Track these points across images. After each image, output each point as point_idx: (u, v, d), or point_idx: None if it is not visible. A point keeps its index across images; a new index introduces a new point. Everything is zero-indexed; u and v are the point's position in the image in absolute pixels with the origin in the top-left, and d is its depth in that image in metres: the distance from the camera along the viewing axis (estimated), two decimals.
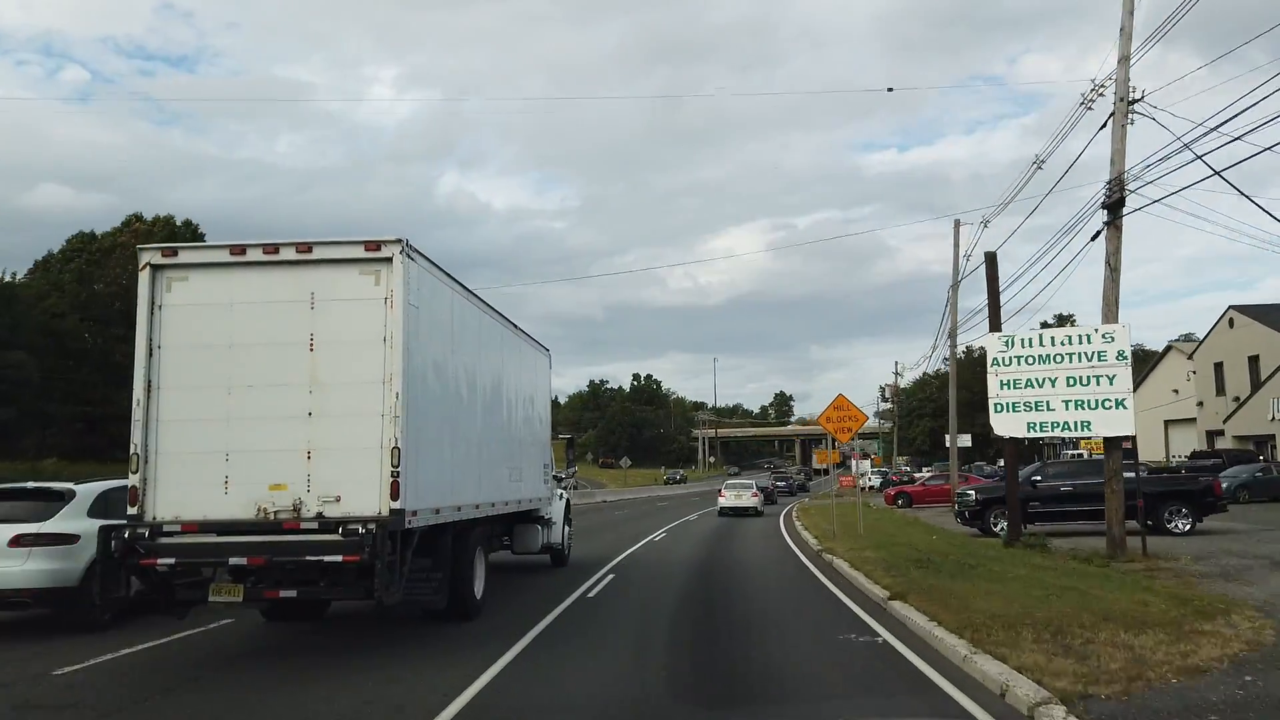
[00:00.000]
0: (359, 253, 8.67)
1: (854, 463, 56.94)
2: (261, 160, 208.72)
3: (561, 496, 17.48)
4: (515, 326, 13.58)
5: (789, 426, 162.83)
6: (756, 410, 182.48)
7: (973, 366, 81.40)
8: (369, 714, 6.68)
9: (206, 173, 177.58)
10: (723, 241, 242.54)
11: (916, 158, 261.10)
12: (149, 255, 8.74)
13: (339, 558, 8.11)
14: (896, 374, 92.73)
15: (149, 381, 8.57)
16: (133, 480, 8.43)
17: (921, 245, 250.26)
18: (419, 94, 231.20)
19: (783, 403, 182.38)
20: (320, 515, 8.29)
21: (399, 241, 8.62)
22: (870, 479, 54.98)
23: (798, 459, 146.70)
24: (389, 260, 8.60)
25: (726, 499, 37.76)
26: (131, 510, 8.42)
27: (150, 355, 8.61)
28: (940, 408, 74.90)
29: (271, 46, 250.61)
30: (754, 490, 39.02)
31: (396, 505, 8.29)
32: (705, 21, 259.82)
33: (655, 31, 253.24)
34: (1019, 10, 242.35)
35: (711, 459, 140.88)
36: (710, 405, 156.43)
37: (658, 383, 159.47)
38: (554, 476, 17.07)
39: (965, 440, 48.56)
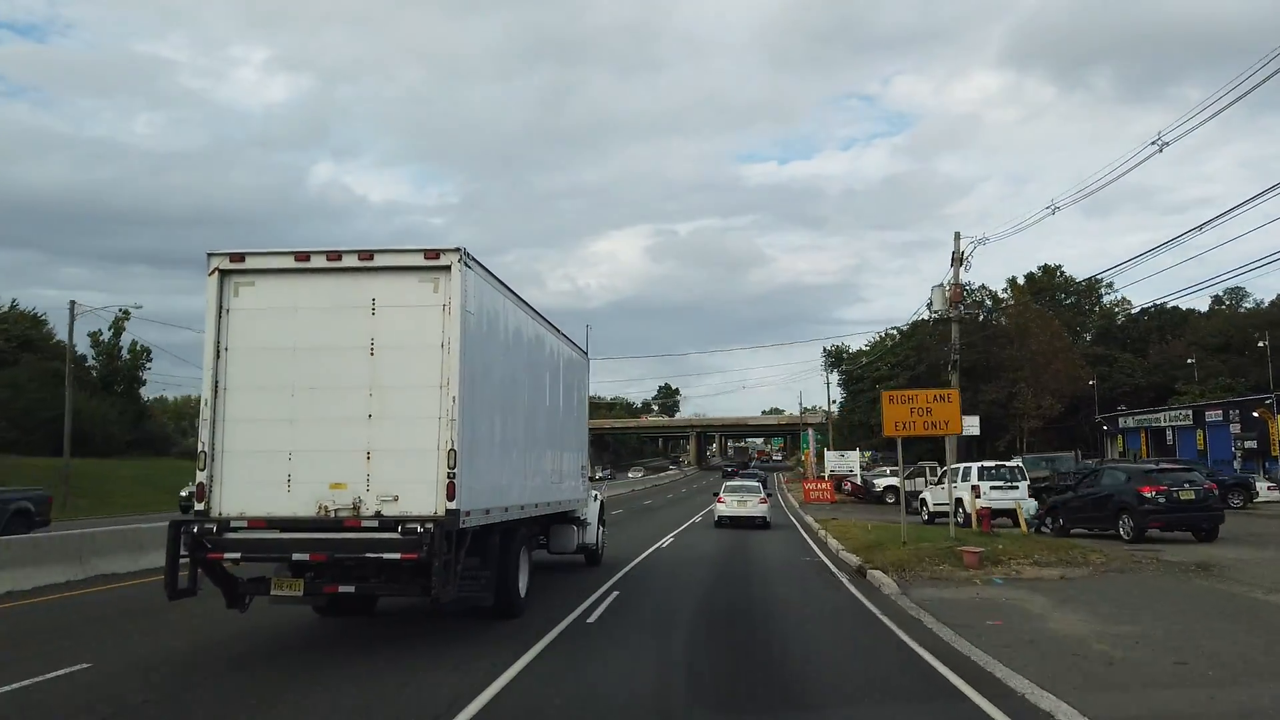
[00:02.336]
0: (419, 260, 8.95)
1: (829, 462, 52.02)
2: (115, 140, 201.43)
3: (596, 498, 17.75)
4: (558, 330, 13.84)
5: (676, 419, 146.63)
6: (639, 404, 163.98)
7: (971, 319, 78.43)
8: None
9: (52, 150, 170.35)
10: (605, 245, 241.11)
11: (795, 170, 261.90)
12: (217, 261, 9.07)
13: (397, 555, 8.41)
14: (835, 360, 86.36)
15: (216, 383, 8.91)
16: (200, 477, 8.78)
17: (798, 256, 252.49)
18: (289, 78, 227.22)
19: (668, 395, 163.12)
20: (379, 514, 8.59)
21: (458, 250, 8.91)
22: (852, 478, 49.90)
23: (692, 456, 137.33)
24: (447, 268, 8.88)
25: (727, 506, 29.25)
26: (199, 506, 8.76)
27: (218, 357, 8.95)
28: (918, 377, 64.69)
29: (129, 20, 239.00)
30: (761, 495, 30.26)
31: (452, 505, 8.56)
32: (586, 22, 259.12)
33: (536, 29, 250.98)
34: (891, 33, 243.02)
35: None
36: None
37: None
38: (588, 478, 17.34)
39: (972, 426, 40.44)
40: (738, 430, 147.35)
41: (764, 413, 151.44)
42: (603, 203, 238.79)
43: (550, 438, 13.20)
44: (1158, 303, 70.72)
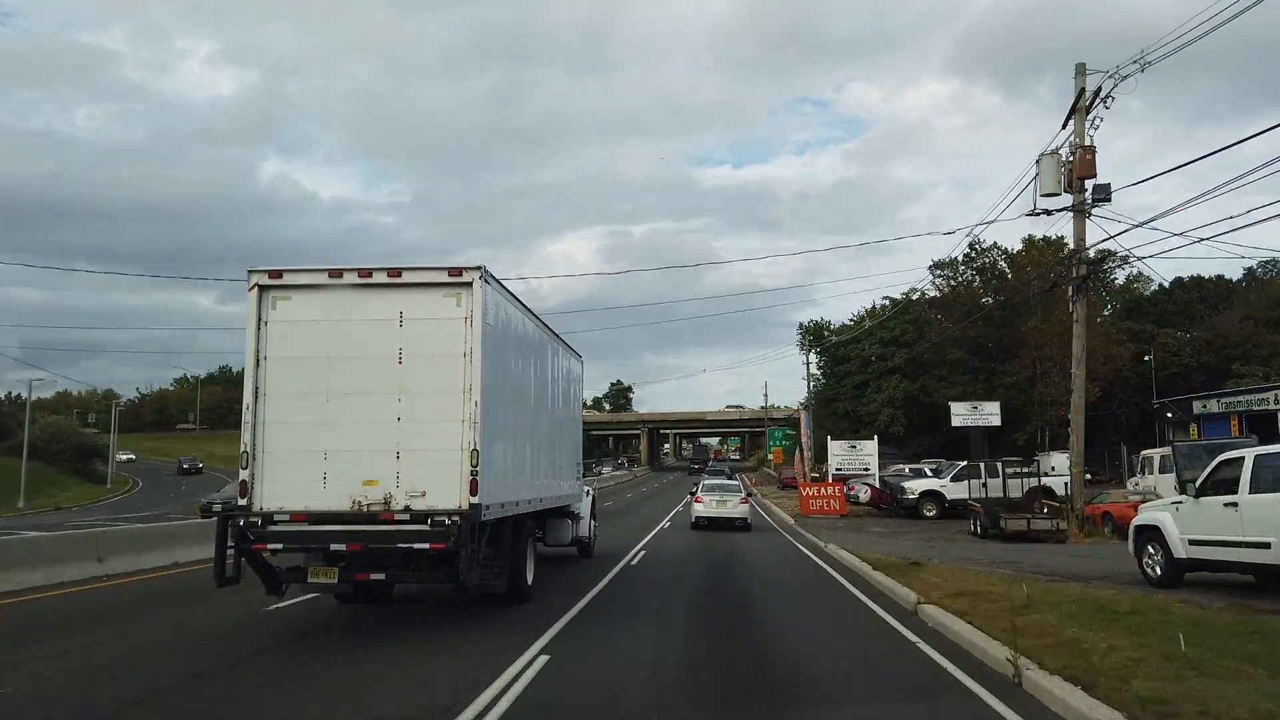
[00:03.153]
0: (443, 278, 9.83)
1: (834, 456, 39.30)
2: (56, 132, 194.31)
3: (588, 493, 18.67)
4: (558, 336, 14.74)
5: (626, 415, 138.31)
6: (590, 402, 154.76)
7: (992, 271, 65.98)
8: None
9: None
10: (561, 246, 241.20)
11: (749, 174, 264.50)
12: (257, 277, 9.88)
13: (426, 545, 9.30)
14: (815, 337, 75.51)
15: (256, 388, 9.74)
16: (243, 475, 9.61)
17: (751, 259, 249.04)
18: (235, 72, 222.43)
19: (620, 394, 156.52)
20: (408, 508, 9.45)
21: (479, 269, 9.79)
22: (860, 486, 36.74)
23: (644, 456, 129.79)
24: (469, 285, 9.77)
25: (705, 506, 27.34)
26: (242, 501, 9.59)
27: (258, 365, 9.77)
28: (918, 359, 58.25)
29: (69, 10, 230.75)
30: (741, 495, 28.57)
31: (475, 500, 9.46)
32: (539, 21, 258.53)
33: (487, 27, 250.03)
34: (844, 39, 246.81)
35: None
36: None
37: None
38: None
39: (992, 414, 33.70)
40: (694, 426, 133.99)
41: (729, 406, 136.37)
42: (558, 203, 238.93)
43: (552, 436, 14.12)
44: (1196, 274, 62.50)
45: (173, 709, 6.94)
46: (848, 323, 75.51)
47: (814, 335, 79.46)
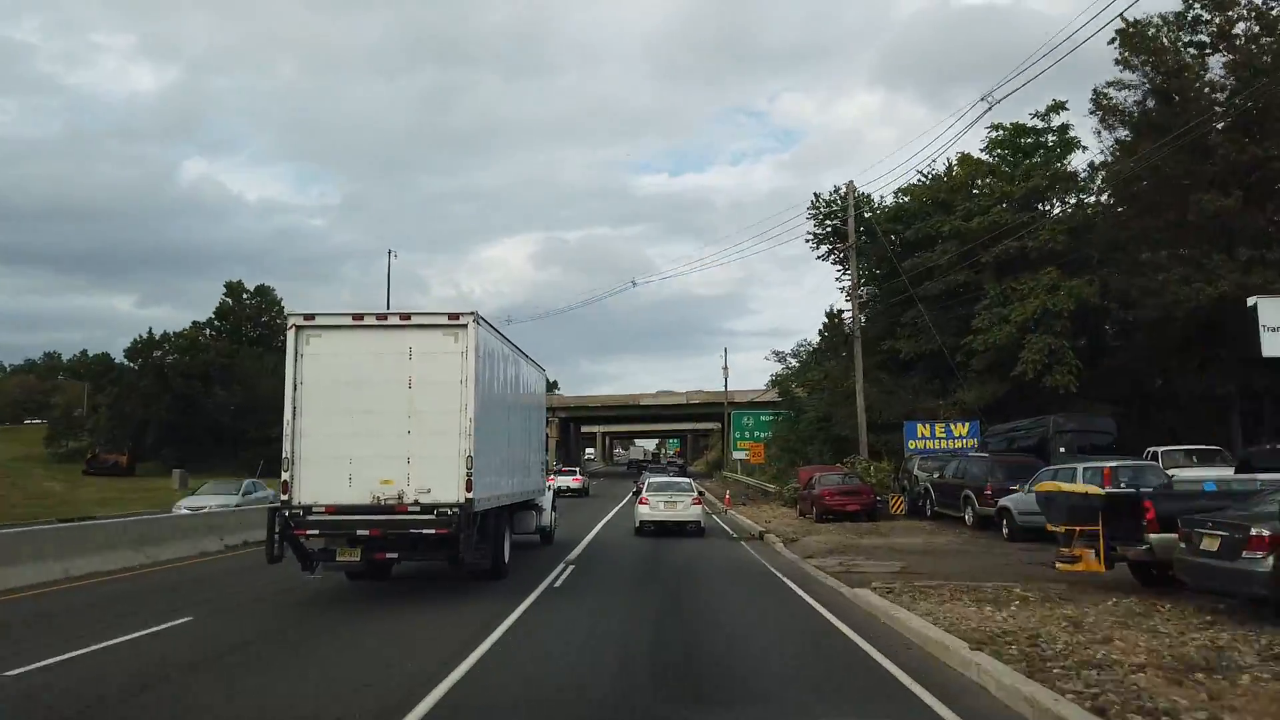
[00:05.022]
0: (444, 320, 12.45)
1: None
2: None
3: (549, 489, 21.38)
4: (526, 355, 17.39)
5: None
6: None
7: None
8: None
9: None
10: (496, 251, 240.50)
11: (686, 182, 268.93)
12: (294, 319, 12.42)
13: (432, 531, 11.95)
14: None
15: (294, 408, 12.26)
16: (284, 477, 12.15)
17: (688, 266, 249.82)
18: (155, 66, 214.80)
19: (549, 388, 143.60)
20: (417, 502, 12.08)
21: (473, 313, 12.44)
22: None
23: (551, 454, 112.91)
24: (465, 326, 12.40)
25: (651, 508, 24.00)
26: (284, 497, 12.13)
27: (295, 389, 12.29)
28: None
29: None
30: (694, 495, 25.02)
31: (469, 495, 12.11)
32: (471, 23, 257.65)
33: (418, 27, 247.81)
34: (777, 50, 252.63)
35: None
36: None
37: None
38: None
39: None
40: (626, 411, 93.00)
41: (661, 392, 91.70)
42: (494, 207, 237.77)
43: (523, 441, 16.81)
44: None
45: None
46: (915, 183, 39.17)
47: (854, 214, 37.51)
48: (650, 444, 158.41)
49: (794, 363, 55.69)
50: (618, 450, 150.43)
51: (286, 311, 12.66)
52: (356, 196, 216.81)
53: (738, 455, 57.92)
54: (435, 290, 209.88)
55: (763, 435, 54.59)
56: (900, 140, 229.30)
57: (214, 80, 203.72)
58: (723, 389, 74.87)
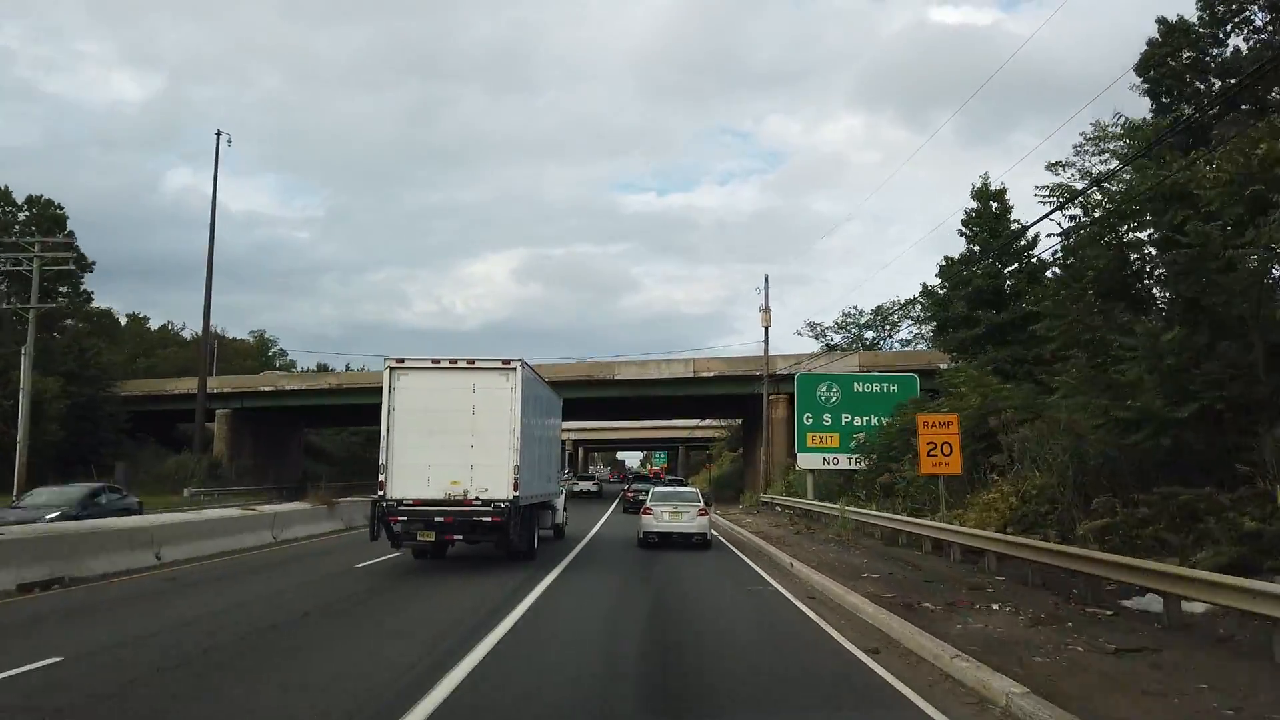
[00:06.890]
0: (499, 365, 16.96)
1: None
2: None
3: (564, 492, 25.90)
4: (548, 385, 21.90)
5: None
6: None
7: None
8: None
9: None
10: (481, 266, 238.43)
11: (672, 201, 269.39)
12: (390, 362, 16.91)
13: (489, 519, 16.44)
14: None
15: (388, 428, 16.75)
16: (381, 477, 16.62)
17: (672, 285, 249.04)
18: (139, 76, 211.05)
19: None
20: (478, 497, 16.55)
21: (520, 360, 16.96)
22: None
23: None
24: (515, 369, 16.90)
25: (656, 518, 23.12)
26: (380, 493, 16.60)
27: (389, 414, 16.76)
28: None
29: None
30: (700, 505, 24.20)
31: (516, 494, 16.60)
32: (456, 39, 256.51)
33: (403, 42, 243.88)
34: (763, 71, 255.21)
35: None
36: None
37: None
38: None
39: None
40: (602, 396, 56.33)
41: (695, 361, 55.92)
42: (478, 222, 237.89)
43: (548, 454, 21.35)
44: None
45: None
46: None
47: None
48: (636, 455, 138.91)
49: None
50: (593, 468, 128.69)
51: (384, 357, 16.83)
52: (340, 210, 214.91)
53: (806, 461, 35.55)
54: (417, 305, 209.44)
55: (877, 420, 32.22)
56: (885, 161, 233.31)
57: (197, 90, 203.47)
58: (761, 353, 47.99)
